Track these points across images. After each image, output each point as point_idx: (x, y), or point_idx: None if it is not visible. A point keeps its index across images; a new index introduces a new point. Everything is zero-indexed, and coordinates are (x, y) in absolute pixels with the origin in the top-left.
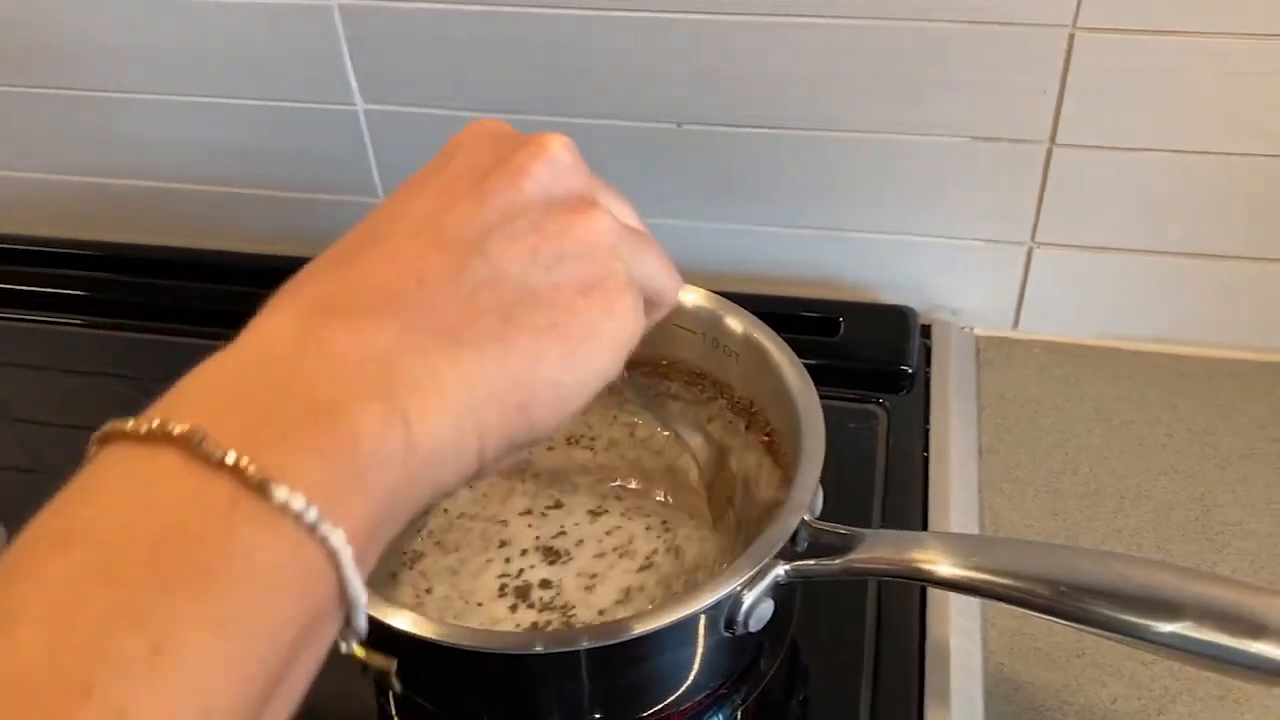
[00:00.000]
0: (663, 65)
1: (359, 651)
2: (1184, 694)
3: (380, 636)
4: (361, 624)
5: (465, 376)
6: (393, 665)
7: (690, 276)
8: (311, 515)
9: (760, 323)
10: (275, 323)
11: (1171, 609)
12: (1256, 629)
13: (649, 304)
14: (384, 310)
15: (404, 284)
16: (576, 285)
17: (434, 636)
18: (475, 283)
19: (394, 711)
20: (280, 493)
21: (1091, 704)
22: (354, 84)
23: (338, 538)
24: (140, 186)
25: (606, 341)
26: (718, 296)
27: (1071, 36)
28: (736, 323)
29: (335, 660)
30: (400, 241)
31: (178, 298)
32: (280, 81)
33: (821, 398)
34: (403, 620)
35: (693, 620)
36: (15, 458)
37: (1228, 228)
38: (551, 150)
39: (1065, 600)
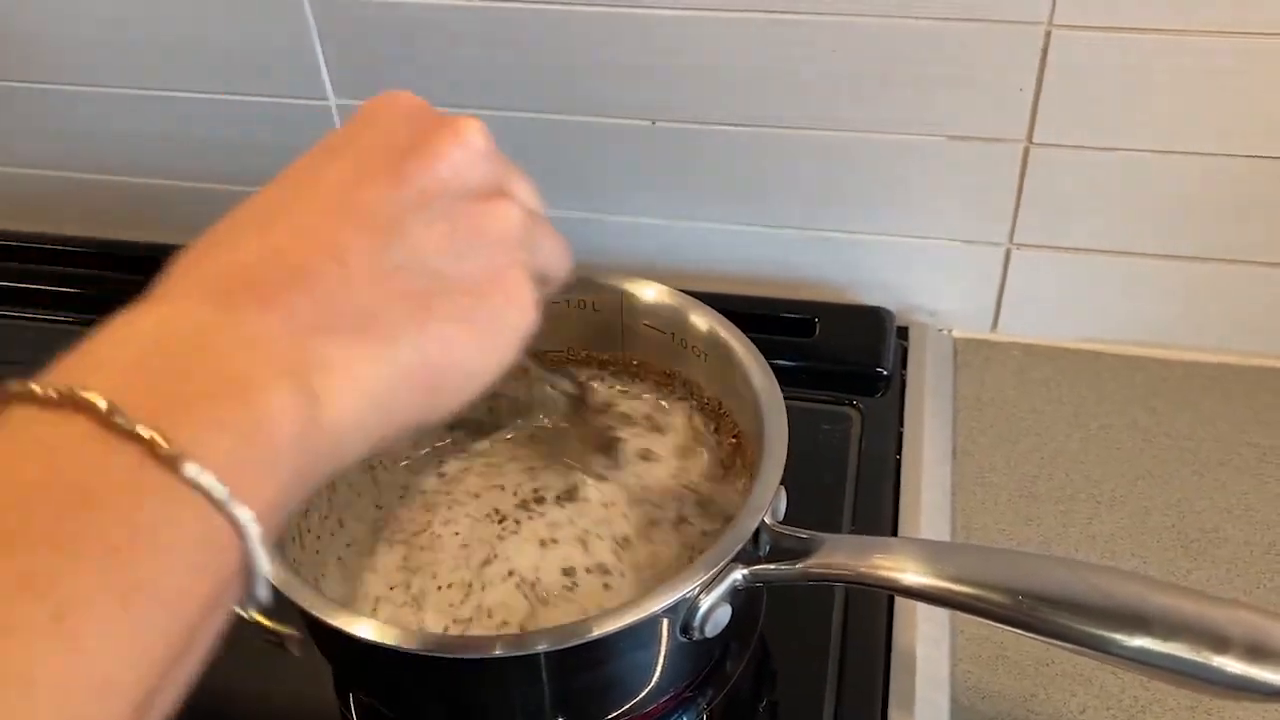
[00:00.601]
0: (637, 62)
1: (260, 619)
2: (1154, 704)
3: (336, 642)
4: (262, 593)
5: (378, 359)
6: (295, 633)
7: (664, 276)
8: (220, 492)
9: (726, 321)
10: (182, 302)
11: (1137, 621)
12: (1221, 642)
13: (540, 282)
14: (301, 288)
15: (323, 262)
16: (484, 274)
17: (389, 642)
18: (393, 265)
19: (354, 715)
20: (190, 469)
21: (1060, 714)
22: (326, 78)
23: (245, 515)
24: (108, 181)
25: (510, 331)
26: (682, 294)
27: (1048, 34)
28: (701, 321)
29: (297, 665)
30: (316, 214)
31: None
32: (252, 75)
33: (796, 400)
34: (359, 628)
35: (647, 624)
36: None
37: (1210, 229)
38: (467, 134)
39: (1026, 610)
